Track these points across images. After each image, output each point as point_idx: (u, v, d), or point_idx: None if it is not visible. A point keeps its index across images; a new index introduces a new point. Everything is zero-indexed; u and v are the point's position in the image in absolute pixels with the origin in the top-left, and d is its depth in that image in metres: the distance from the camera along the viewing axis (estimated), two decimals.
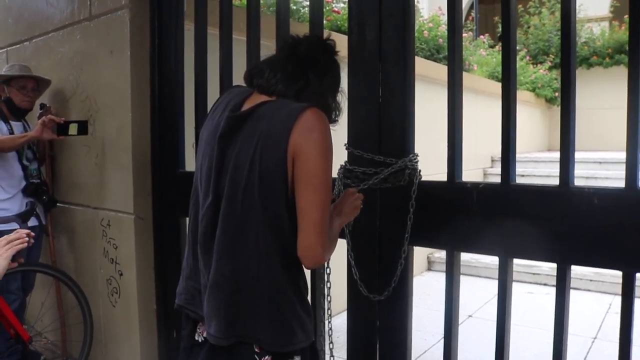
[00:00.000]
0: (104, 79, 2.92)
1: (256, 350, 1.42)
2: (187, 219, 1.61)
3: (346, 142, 1.95)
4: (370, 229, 1.90)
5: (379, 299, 1.89)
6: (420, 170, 1.84)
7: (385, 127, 1.88)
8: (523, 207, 1.65)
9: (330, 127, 1.51)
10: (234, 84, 2.37)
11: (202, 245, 1.49)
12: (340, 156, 1.92)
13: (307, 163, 1.37)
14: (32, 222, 3.10)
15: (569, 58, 1.59)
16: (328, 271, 1.94)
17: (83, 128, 2.98)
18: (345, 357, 2.09)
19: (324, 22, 4.92)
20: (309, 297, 1.57)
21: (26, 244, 1.74)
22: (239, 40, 2.40)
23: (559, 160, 1.63)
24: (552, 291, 1.65)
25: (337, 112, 1.59)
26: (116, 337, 3.01)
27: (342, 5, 5.50)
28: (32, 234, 1.84)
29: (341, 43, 1.70)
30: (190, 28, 2.59)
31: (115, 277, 2.92)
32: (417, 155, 1.85)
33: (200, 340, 1.53)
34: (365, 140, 1.91)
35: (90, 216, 3.09)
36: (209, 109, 2.48)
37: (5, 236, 1.78)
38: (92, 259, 3.10)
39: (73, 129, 2.96)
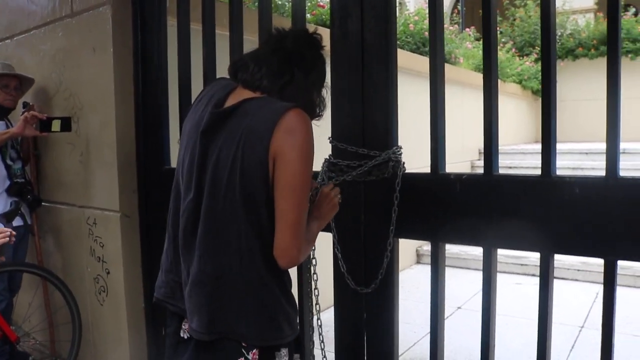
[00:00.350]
0: (86, 76, 2.89)
1: (243, 344, 1.43)
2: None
3: (330, 136, 1.95)
4: (355, 222, 1.90)
5: (366, 291, 1.89)
6: (404, 163, 1.85)
7: (368, 120, 1.88)
8: (506, 198, 1.66)
9: (315, 123, 1.52)
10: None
11: (182, 240, 1.49)
12: (324, 149, 1.93)
13: (287, 165, 1.37)
14: (17, 221, 3.08)
15: (548, 49, 1.60)
16: (314, 262, 1.94)
17: (66, 124, 2.95)
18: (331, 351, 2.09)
19: (309, 16, 4.94)
20: (295, 291, 1.58)
21: (7, 239, 1.72)
22: (223, 36, 2.39)
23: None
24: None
25: (322, 107, 1.59)
26: (105, 336, 3.00)
27: None
28: (14, 233, 1.83)
29: (326, 37, 1.70)
30: (173, 24, 2.58)
31: (103, 276, 2.90)
32: (400, 148, 1.86)
33: (185, 337, 1.53)
34: (348, 134, 1.91)
35: (76, 215, 3.07)
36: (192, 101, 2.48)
37: None
38: (79, 257, 3.08)
39: (56, 125, 2.93)
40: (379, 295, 1.89)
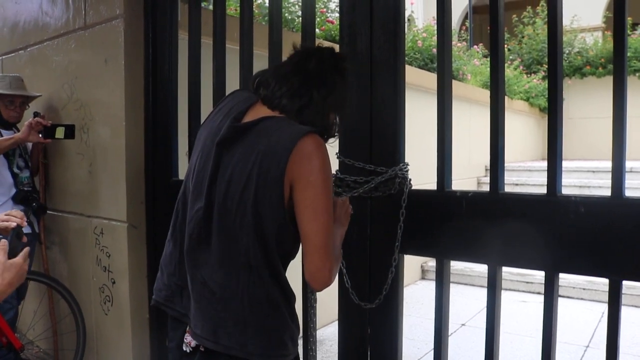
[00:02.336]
0: (98, 87, 2.93)
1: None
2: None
3: (337, 151, 1.97)
4: (361, 237, 1.91)
5: (370, 307, 1.90)
6: (410, 179, 1.86)
7: (376, 136, 1.90)
8: (511, 216, 1.67)
9: (328, 143, 1.54)
10: (227, 94, 2.40)
11: (188, 246, 1.50)
12: (331, 165, 1.94)
13: (307, 188, 1.38)
14: (26, 229, 3.09)
15: (555, 67, 1.61)
16: None
17: (70, 132, 2.99)
18: None
19: (319, 31, 4.98)
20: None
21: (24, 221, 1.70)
22: (233, 50, 2.42)
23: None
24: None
25: (336, 128, 1.59)
26: (108, 346, 3.00)
27: (336, 15, 5.54)
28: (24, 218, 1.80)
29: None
30: (184, 37, 2.62)
31: (108, 286, 2.92)
32: (407, 164, 1.87)
33: (188, 351, 1.54)
34: (356, 149, 1.93)
35: (84, 224, 3.09)
36: (202, 118, 2.51)
37: None
38: (85, 267, 3.10)
39: (60, 132, 2.97)
40: (383, 310, 1.90)
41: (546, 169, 1.64)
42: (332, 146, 1.95)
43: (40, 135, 2.97)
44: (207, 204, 1.46)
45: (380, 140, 1.89)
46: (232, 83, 2.36)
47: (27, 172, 3.27)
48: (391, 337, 1.92)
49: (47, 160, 3.37)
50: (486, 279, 1.76)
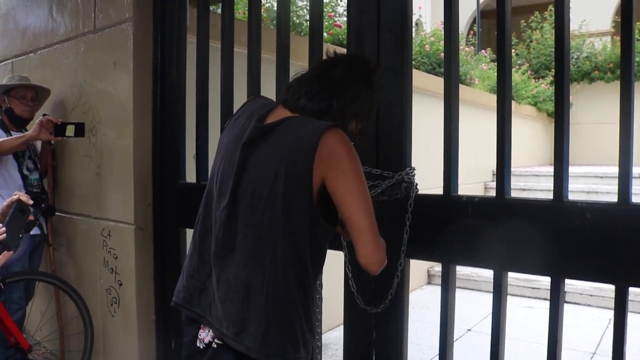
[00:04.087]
0: (106, 90, 2.95)
1: None
2: (196, 220, 1.63)
3: None
4: None
5: (376, 311, 1.90)
6: (417, 184, 1.86)
7: (382, 141, 1.90)
8: (518, 221, 1.67)
9: None
10: (234, 97, 2.42)
11: (214, 247, 1.51)
12: None
13: (340, 177, 1.39)
14: (35, 230, 3.12)
15: (562, 72, 1.61)
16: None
17: (80, 130, 3.01)
18: None
19: (326, 35, 4.99)
20: None
21: (5, 234, 1.70)
22: (240, 54, 2.44)
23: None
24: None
25: (358, 137, 1.58)
26: (115, 347, 3.02)
27: (344, 19, 5.55)
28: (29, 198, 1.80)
29: None
30: (193, 41, 2.63)
31: (115, 287, 2.93)
32: (413, 169, 1.87)
33: (201, 347, 1.54)
34: (362, 153, 1.91)
35: (91, 226, 3.11)
36: (210, 122, 2.52)
37: None
38: (92, 268, 3.11)
39: (70, 130, 2.99)
40: (389, 315, 1.90)
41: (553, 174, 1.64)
42: None
43: (50, 133, 2.99)
44: (231, 204, 1.48)
45: (387, 144, 1.90)
46: (240, 87, 2.38)
47: (36, 174, 3.30)
48: (396, 342, 1.92)
49: (56, 162, 3.39)
50: (492, 285, 1.76)
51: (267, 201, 1.42)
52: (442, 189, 1.83)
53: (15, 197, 1.81)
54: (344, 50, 1.92)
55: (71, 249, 3.34)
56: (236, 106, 2.27)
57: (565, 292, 5.32)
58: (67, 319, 3.29)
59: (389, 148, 1.90)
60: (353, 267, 1.95)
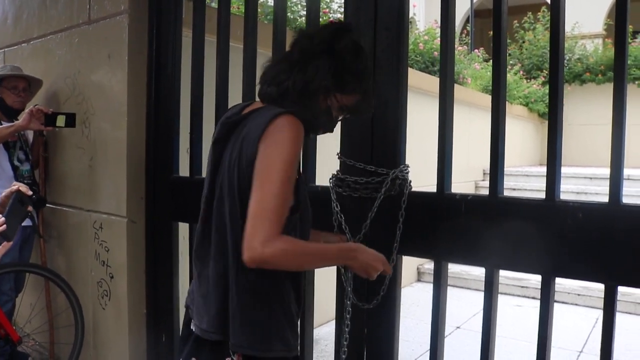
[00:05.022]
0: (100, 82, 2.93)
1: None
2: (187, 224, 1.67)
3: (338, 152, 1.98)
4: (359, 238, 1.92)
5: (368, 307, 1.91)
6: (410, 181, 1.87)
7: (377, 138, 1.91)
8: (510, 220, 1.69)
9: (325, 135, 1.56)
10: (229, 92, 2.42)
11: (196, 246, 1.56)
12: (333, 165, 1.96)
13: (263, 158, 1.35)
14: (26, 222, 3.09)
15: (556, 73, 1.63)
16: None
17: (71, 120, 2.99)
18: None
19: None
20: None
21: (5, 225, 1.71)
22: (236, 48, 2.43)
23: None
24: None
25: (328, 123, 1.55)
26: (105, 340, 3.01)
27: (339, 15, 5.55)
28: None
29: None
30: (188, 35, 2.63)
31: (106, 280, 2.92)
32: (407, 166, 1.88)
33: (194, 330, 1.55)
34: (357, 150, 1.94)
35: (83, 218, 3.10)
36: (204, 116, 2.52)
37: None
38: (83, 261, 3.10)
39: (61, 120, 2.97)
40: (381, 311, 1.91)
41: (544, 174, 1.66)
42: (334, 146, 1.97)
43: (41, 123, 2.97)
44: (206, 200, 1.50)
45: (382, 141, 1.90)
46: (235, 81, 2.38)
47: (27, 165, 3.28)
48: (388, 338, 1.93)
49: (48, 154, 3.37)
50: (482, 283, 1.78)
51: (229, 193, 1.42)
52: (434, 186, 1.85)
53: (14, 187, 1.81)
54: None
55: (62, 241, 3.33)
56: (231, 101, 2.27)
57: (556, 291, 5.38)
58: (57, 311, 3.28)
59: (383, 145, 1.90)
60: None
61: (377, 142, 1.91)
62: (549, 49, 1.67)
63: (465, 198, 1.77)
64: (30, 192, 1.85)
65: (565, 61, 10.61)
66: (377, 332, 1.94)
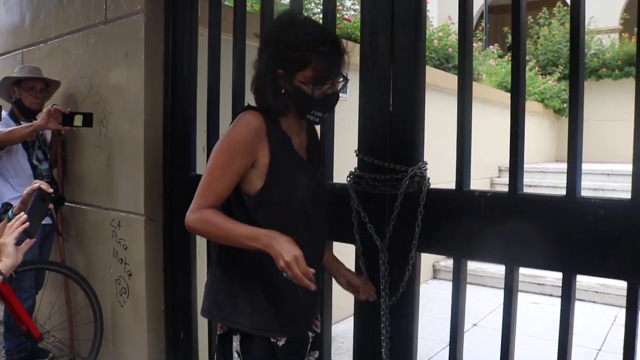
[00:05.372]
0: (117, 81, 2.96)
1: None
2: None
3: (356, 149, 1.98)
4: (379, 235, 1.91)
5: (387, 304, 1.90)
6: (429, 178, 1.87)
7: (395, 135, 1.91)
8: (530, 217, 1.67)
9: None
10: (245, 90, 2.42)
11: None
12: (351, 162, 1.96)
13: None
14: (46, 220, 3.13)
15: (577, 69, 1.61)
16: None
17: (88, 120, 3.03)
18: None
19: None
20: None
21: (27, 222, 1.74)
22: (252, 47, 2.43)
23: (565, 170, 1.65)
24: (558, 302, 1.65)
25: (275, 100, 1.59)
26: (124, 337, 3.04)
27: (352, 13, 5.54)
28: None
29: (355, 51, 1.74)
30: (204, 33, 2.64)
31: (124, 278, 2.95)
32: (426, 163, 1.88)
33: None
34: (375, 147, 1.94)
35: (101, 216, 3.13)
36: (221, 114, 2.53)
37: (4, 222, 1.80)
38: (102, 258, 3.13)
39: (78, 120, 3.01)
40: (400, 308, 1.90)
41: (560, 170, 1.66)
42: (351, 143, 1.97)
43: (59, 123, 3.00)
44: None
45: (400, 138, 1.90)
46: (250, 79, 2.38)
47: (46, 164, 3.32)
48: (407, 335, 1.93)
49: (66, 153, 3.40)
50: (497, 280, 1.78)
51: None
52: (448, 183, 1.84)
53: (35, 185, 1.84)
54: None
55: (80, 239, 3.36)
56: (247, 99, 2.27)
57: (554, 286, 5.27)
58: (77, 308, 3.31)
59: (401, 142, 1.90)
60: (366, 260, 1.95)
61: (395, 139, 1.91)
62: (565, 44, 1.66)
63: (485, 195, 1.76)
64: (51, 190, 1.88)
65: None
66: (396, 329, 1.93)
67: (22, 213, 1.76)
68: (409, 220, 1.84)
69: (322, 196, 1.76)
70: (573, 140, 1.62)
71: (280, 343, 1.64)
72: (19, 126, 3.09)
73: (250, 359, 1.63)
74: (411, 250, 1.84)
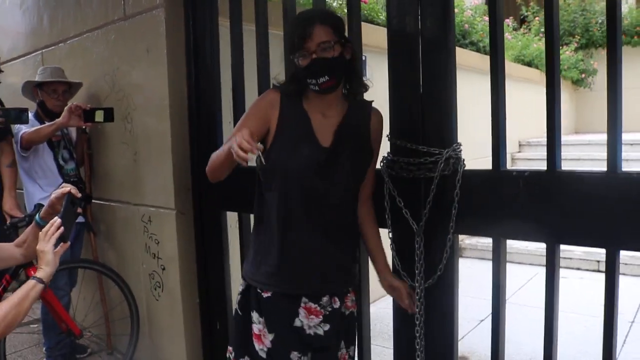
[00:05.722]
0: (140, 77, 2.96)
1: None
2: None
3: (388, 133, 1.96)
4: (415, 219, 1.90)
5: (423, 287, 1.89)
6: (464, 159, 1.85)
7: (427, 117, 1.89)
8: (570, 194, 1.65)
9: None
10: (270, 79, 2.41)
11: None
12: (384, 147, 1.95)
13: None
14: (78, 219, 3.17)
15: (615, 37, 1.57)
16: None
17: (109, 115, 3.04)
18: (380, 345, 2.10)
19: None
20: None
21: (62, 227, 1.76)
22: (275, 35, 2.42)
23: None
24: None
25: (292, 75, 1.84)
26: (160, 330, 3.08)
27: None
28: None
29: (370, 32, 1.73)
30: (224, 24, 2.62)
31: (158, 272, 2.98)
32: (460, 145, 1.86)
33: None
34: (407, 131, 1.92)
35: (131, 212, 3.15)
36: (246, 105, 2.52)
37: (33, 226, 1.85)
38: (134, 254, 3.16)
39: (99, 115, 3.03)
40: (438, 290, 1.90)
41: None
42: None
43: (80, 119, 3.02)
44: None
45: (432, 120, 1.88)
46: (276, 69, 2.37)
47: (72, 163, 3.33)
48: (446, 317, 1.93)
49: (92, 151, 3.43)
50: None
51: None
52: (475, 161, 1.82)
53: (65, 189, 1.85)
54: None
55: (111, 235, 3.40)
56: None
57: (599, 261, 5.26)
58: (112, 304, 3.36)
59: (434, 124, 1.88)
60: (400, 245, 1.94)
61: (428, 121, 1.89)
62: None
63: (523, 174, 1.74)
64: (79, 195, 1.89)
65: (598, 24, 10.35)
66: (434, 312, 1.93)
67: (56, 218, 1.77)
68: (445, 203, 1.83)
69: (336, 177, 1.79)
70: (612, 112, 1.59)
71: (265, 295, 1.81)
72: (43, 125, 3.11)
73: (243, 301, 1.88)
74: (449, 232, 1.83)
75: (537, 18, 10.31)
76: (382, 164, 1.94)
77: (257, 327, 1.82)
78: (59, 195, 1.87)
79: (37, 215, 1.93)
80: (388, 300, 2.09)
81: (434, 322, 1.94)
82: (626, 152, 6.46)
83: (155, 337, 3.12)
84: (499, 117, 1.80)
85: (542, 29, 8.18)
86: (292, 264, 1.79)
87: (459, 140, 1.87)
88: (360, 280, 2.14)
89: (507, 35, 8.10)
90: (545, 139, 1.73)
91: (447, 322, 1.95)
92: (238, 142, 1.50)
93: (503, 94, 1.80)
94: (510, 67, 6.89)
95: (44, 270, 1.71)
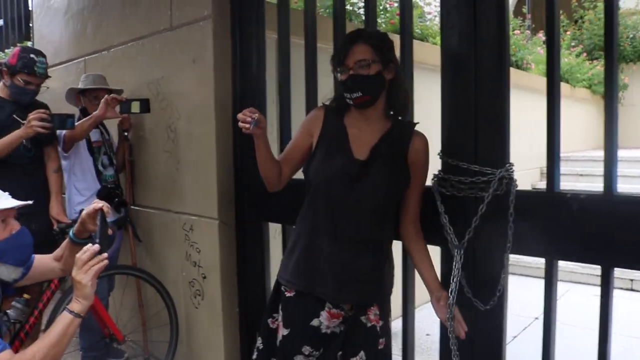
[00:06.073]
0: (185, 87, 3.00)
1: None
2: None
3: (439, 151, 1.97)
4: (457, 237, 1.88)
5: (485, 308, 1.88)
6: (516, 180, 1.85)
7: (481, 136, 1.89)
8: (627, 218, 1.64)
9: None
10: (318, 94, 2.44)
11: None
12: (435, 164, 1.96)
13: None
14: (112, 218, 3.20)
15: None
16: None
17: (145, 106, 3.09)
18: None
19: (390, 25, 4.96)
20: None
21: (107, 260, 1.67)
22: (323, 49, 2.45)
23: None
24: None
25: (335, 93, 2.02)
26: (199, 339, 3.10)
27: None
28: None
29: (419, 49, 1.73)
30: (270, 36, 2.66)
31: (198, 280, 3.01)
32: (512, 165, 1.86)
33: None
34: (459, 149, 1.92)
35: (172, 220, 3.19)
36: (292, 119, 2.55)
37: (78, 256, 1.66)
38: (174, 262, 3.20)
39: (135, 106, 3.08)
40: (495, 311, 1.88)
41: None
42: (434, 145, 1.97)
43: (117, 111, 3.08)
44: None
45: (486, 140, 1.88)
46: (323, 83, 2.40)
47: (111, 170, 3.38)
48: (497, 337, 1.92)
49: (133, 158, 3.47)
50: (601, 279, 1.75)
51: None
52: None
53: (97, 205, 1.82)
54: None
55: (151, 242, 3.43)
56: (320, 102, 2.28)
57: (632, 280, 5.18)
58: (149, 310, 3.39)
59: (487, 144, 1.88)
60: (464, 269, 1.92)
61: (481, 141, 1.89)
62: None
63: (578, 197, 1.73)
64: (110, 213, 1.87)
65: (629, 39, 10.22)
66: (486, 333, 1.92)
67: (96, 246, 1.67)
68: (499, 223, 1.83)
69: (366, 189, 1.84)
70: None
71: (288, 294, 1.95)
72: (80, 121, 3.14)
73: (272, 296, 2.06)
74: (506, 252, 1.82)
75: (567, 32, 10.22)
76: (432, 181, 1.95)
77: (277, 320, 2.01)
78: (91, 212, 1.82)
79: (70, 232, 1.91)
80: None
81: (486, 343, 1.93)
82: None
83: (193, 345, 3.14)
84: (554, 140, 1.80)
85: (572, 43, 8.10)
86: (311, 268, 1.90)
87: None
88: (407, 301, 2.15)
89: (540, 50, 8.06)
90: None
91: (497, 342, 1.94)
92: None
93: (558, 116, 1.80)
94: (540, 81, 6.83)
95: (82, 304, 1.63)
